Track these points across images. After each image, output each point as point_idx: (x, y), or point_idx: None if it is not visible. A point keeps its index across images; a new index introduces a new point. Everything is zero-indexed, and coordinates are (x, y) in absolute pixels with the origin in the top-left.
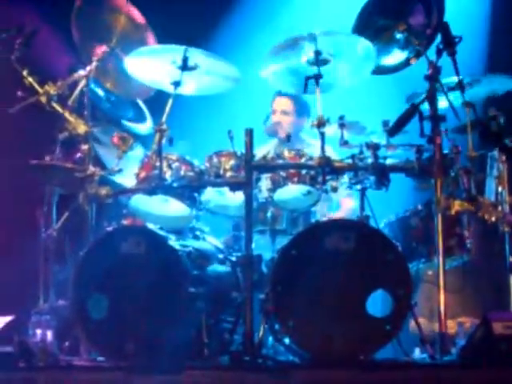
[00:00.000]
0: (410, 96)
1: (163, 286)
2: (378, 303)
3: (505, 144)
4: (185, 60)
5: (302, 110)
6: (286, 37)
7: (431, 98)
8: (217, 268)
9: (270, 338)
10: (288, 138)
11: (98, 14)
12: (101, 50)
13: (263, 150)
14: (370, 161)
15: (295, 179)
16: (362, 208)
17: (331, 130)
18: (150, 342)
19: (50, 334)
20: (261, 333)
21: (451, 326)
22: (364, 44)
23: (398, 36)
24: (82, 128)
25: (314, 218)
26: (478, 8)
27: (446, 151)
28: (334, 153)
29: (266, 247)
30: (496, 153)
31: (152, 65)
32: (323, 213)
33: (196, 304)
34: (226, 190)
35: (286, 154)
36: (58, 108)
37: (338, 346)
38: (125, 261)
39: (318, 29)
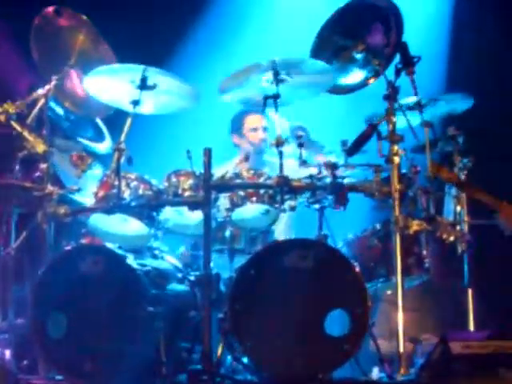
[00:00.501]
0: (370, 117)
1: (122, 305)
2: (336, 323)
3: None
4: (143, 79)
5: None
6: (245, 63)
7: (389, 118)
8: (175, 287)
9: (229, 357)
10: (247, 157)
11: (56, 32)
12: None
13: (223, 169)
14: (328, 180)
15: (254, 198)
16: (321, 227)
17: (290, 149)
18: (108, 361)
19: (8, 353)
20: (219, 352)
21: (410, 345)
22: (321, 65)
23: (357, 56)
24: (40, 147)
25: (273, 237)
26: (437, 28)
27: (404, 171)
28: (298, 168)
29: (224, 266)
30: (455, 171)
31: (111, 84)
32: (283, 231)
33: (154, 323)
34: (184, 209)
35: (245, 173)
36: (17, 127)
37: (296, 366)
38: (83, 280)
39: (277, 54)
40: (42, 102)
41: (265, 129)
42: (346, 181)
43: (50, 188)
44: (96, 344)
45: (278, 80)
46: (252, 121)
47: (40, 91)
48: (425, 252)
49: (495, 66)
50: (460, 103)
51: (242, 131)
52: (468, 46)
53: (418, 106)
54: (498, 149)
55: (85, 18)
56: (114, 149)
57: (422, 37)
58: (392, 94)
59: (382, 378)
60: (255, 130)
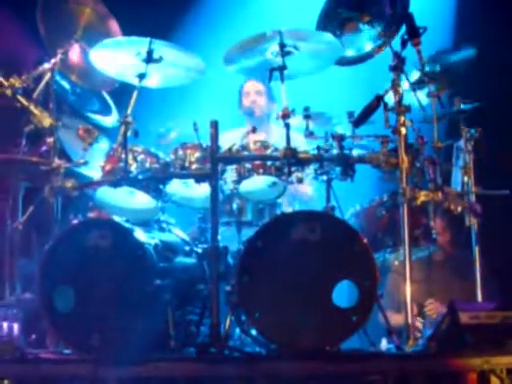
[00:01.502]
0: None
1: (129, 279)
2: (344, 294)
3: None
4: (150, 52)
5: (271, 94)
6: (251, 33)
7: (395, 89)
8: (183, 260)
9: (237, 330)
10: (254, 129)
11: (62, 6)
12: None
13: (232, 134)
14: (335, 152)
15: (260, 171)
16: (328, 199)
17: (297, 121)
18: (116, 334)
19: (16, 327)
20: (227, 324)
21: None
22: (328, 37)
23: (363, 27)
24: (47, 121)
25: (280, 209)
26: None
27: (411, 142)
28: (304, 141)
29: (232, 239)
30: (462, 143)
31: (117, 57)
32: (290, 203)
33: (162, 296)
34: (191, 182)
35: (252, 145)
36: (24, 101)
37: (304, 337)
38: (91, 253)
39: (283, 25)
40: (48, 75)
41: (261, 94)
42: (353, 152)
43: (56, 162)
44: (104, 318)
45: (284, 52)
46: (246, 86)
47: (46, 65)
48: (432, 223)
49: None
50: (464, 53)
51: (242, 100)
52: (474, 16)
53: (425, 77)
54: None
55: None
56: (121, 122)
57: (429, 8)
58: (398, 65)
59: (390, 349)
60: (247, 94)
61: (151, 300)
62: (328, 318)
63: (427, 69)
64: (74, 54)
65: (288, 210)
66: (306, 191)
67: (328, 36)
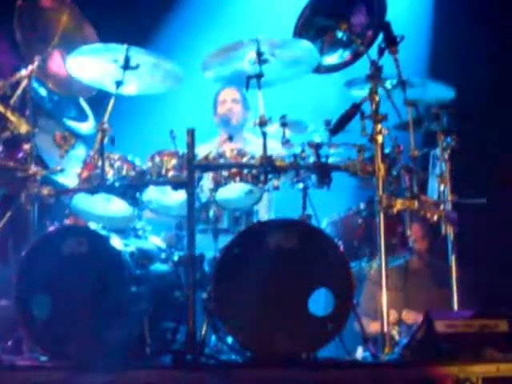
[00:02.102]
0: (350, 81)
1: (106, 286)
2: (320, 302)
3: None
4: (127, 59)
5: (246, 102)
6: (228, 40)
7: (372, 97)
8: (159, 267)
9: (213, 337)
10: (230, 137)
11: (39, 13)
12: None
13: (205, 147)
14: (311, 160)
15: (237, 178)
16: (304, 207)
17: (274, 129)
18: (92, 342)
19: None
20: (203, 332)
21: (393, 322)
22: (305, 45)
23: (340, 35)
24: (23, 127)
25: (257, 217)
26: (420, 9)
27: (387, 150)
28: (280, 148)
29: (208, 246)
30: (438, 151)
31: (94, 64)
32: (266, 211)
33: (138, 303)
34: (168, 189)
35: (228, 153)
36: (0, 107)
37: (280, 345)
38: (67, 260)
39: (260, 32)
40: (25, 82)
41: (237, 102)
42: (329, 160)
43: (33, 169)
44: (80, 325)
45: (261, 60)
46: (222, 94)
47: (23, 72)
48: (408, 231)
49: (478, 47)
50: (441, 92)
51: (217, 108)
52: (451, 27)
53: (402, 85)
54: (483, 128)
55: None
56: (98, 129)
57: (405, 17)
58: (375, 74)
59: (366, 357)
60: (223, 102)
61: (127, 307)
62: (304, 326)
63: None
64: (55, 62)
65: (264, 217)
66: None
67: (305, 43)
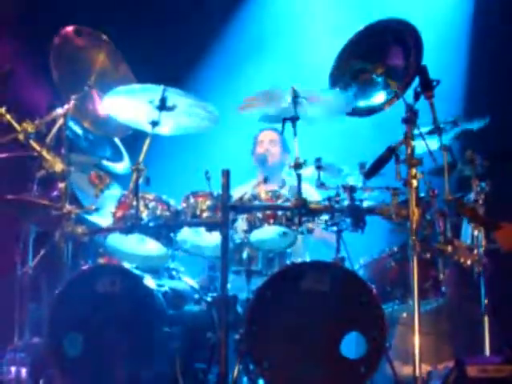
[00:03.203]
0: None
1: (138, 326)
2: (352, 345)
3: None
4: (163, 100)
5: (285, 144)
6: (263, 85)
7: (408, 141)
8: (192, 308)
9: (245, 379)
10: (266, 179)
11: (76, 51)
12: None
13: (243, 189)
14: (346, 203)
15: (271, 220)
16: (338, 250)
17: (309, 172)
18: (125, 381)
19: (24, 372)
20: (235, 373)
21: (425, 369)
22: (339, 94)
23: (376, 78)
24: (59, 166)
25: (290, 259)
26: (456, 52)
27: (422, 194)
28: (316, 193)
29: (241, 288)
30: (472, 196)
31: (130, 104)
32: (299, 254)
33: (171, 343)
34: (202, 230)
35: (263, 195)
36: (36, 146)
37: None
38: (100, 299)
39: (296, 76)
40: (60, 121)
41: (275, 143)
42: (364, 203)
43: (67, 207)
44: (112, 364)
45: (296, 103)
46: (260, 135)
47: (59, 110)
48: (441, 276)
49: None
50: (476, 123)
51: (255, 149)
52: (487, 69)
53: (437, 130)
54: None
55: (105, 37)
56: (133, 169)
57: (441, 59)
58: (411, 118)
59: None
60: (261, 142)
61: (160, 347)
62: (336, 369)
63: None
64: (92, 101)
65: (298, 259)
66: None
67: (339, 93)
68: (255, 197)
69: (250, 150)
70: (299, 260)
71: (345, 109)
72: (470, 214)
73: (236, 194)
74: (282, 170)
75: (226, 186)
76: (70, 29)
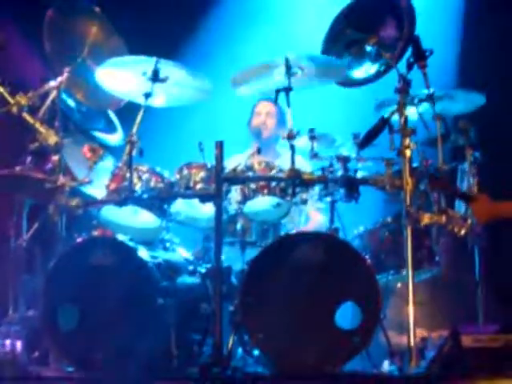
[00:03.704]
0: (379, 104)
1: (133, 298)
2: (347, 315)
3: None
4: (156, 71)
5: (281, 118)
6: (256, 54)
7: (401, 111)
8: (186, 280)
9: (240, 350)
10: (259, 150)
11: (68, 24)
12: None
13: (237, 158)
14: (340, 173)
15: (265, 191)
16: (332, 220)
17: (302, 143)
18: (119, 353)
19: (19, 345)
20: (230, 344)
21: (420, 333)
22: (334, 61)
23: (369, 49)
24: (52, 139)
25: (284, 230)
26: (449, 22)
27: (415, 164)
28: (305, 163)
29: (235, 259)
30: (466, 166)
31: (123, 76)
32: (293, 225)
33: (165, 315)
34: (196, 201)
35: (257, 166)
36: (29, 119)
37: (306, 358)
38: (94, 272)
39: (289, 45)
40: (54, 93)
41: (271, 115)
42: (357, 174)
43: (61, 180)
44: (107, 336)
45: (290, 74)
46: (258, 106)
47: (52, 83)
48: (436, 246)
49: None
50: (472, 101)
51: (251, 120)
52: (480, 40)
53: (430, 99)
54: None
55: (98, 9)
56: (126, 141)
57: (435, 30)
58: (404, 88)
59: (392, 371)
60: (258, 114)
61: (154, 319)
62: (330, 339)
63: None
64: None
65: (292, 230)
66: (319, 219)
67: (334, 60)
68: (249, 168)
69: (247, 119)
70: (294, 231)
71: (338, 76)
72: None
73: (231, 162)
74: (276, 142)
75: (220, 158)
76: (62, 1)
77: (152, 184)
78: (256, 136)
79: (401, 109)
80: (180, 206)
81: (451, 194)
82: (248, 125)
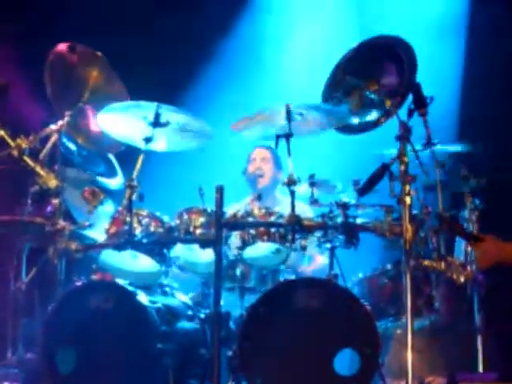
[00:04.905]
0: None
1: (131, 342)
2: (345, 361)
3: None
4: (156, 116)
5: (278, 161)
6: (256, 100)
7: (401, 159)
8: (185, 325)
9: None
10: (259, 196)
11: (70, 68)
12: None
13: (236, 206)
14: (339, 220)
15: (265, 237)
16: (331, 266)
17: (302, 189)
18: None
19: None
20: None
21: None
22: (333, 109)
23: (370, 96)
24: (52, 182)
25: (283, 275)
26: (450, 70)
27: (415, 211)
28: (309, 210)
29: (234, 304)
30: (466, 213)
31: (124, 120)
32: (294, 267)
33: (164, 360)
34: (195, 246)
35: (256, 212)
36: (30, 162)
37: None
38: (93, 315)
39: (289, 94)
40: (54, 137)
41: (266, 161)
42: (357, 220)
43: (61, 223)
44: (105, 380)
45: (290, 120)
46: (253, 154)
47: (53, 126)
48: (435, 293)
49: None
50: (470, 148)
51: (247, 167)
52: (481, 89)
53: (430, 147)
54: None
55: (99, 54)
56: (126, 185)
57: (435, 76)
58: (404, 135)
59: None
60: (253, 160)
61: (153, 363)
62: None
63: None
64: (85, 117)
65: (292, 275)
66: (322, 262)
67: (333, 108)
68: (249, 213)
69: (243, 168)
70: (292, 277)
71: (338, 123)
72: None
73: (230, 211)
74: (275, 188)
75: (220, 202)
76: (64, 45)
77: (152, 228)
78: (252, 184)
79: (401, 156)
80: (179, 251)
81: (459, 234)
82: (244, 173)
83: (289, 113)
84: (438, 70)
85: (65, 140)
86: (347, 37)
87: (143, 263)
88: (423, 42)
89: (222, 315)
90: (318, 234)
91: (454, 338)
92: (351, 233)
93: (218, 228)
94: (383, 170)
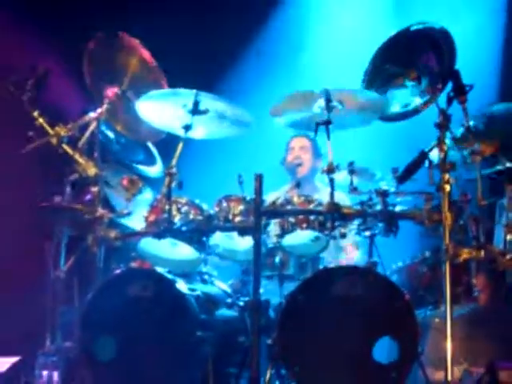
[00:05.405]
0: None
1: (170, 330)
2: (384, 350)
3: None
4: (196, 104)
5: (317, 151)
6: (297, 88)
7: (441, 146)
8: (224, 312)
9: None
10: (298, 184)
11: (110, 56)
12: (112, 92)
13: (275, 195)
14: (378, 207)
15: (304, 225)
16: (370, 254)
17: (341, 177)
18: None
19: (56, 376)
20: (267, 378)
21: (457, 374)
22: (373, 95)
23: (409, 83)
24: (91, 170)
25: (322, 263)
26: (489, 56)
27: (455, 199)
28: (347, 199)
29: (273, 292)
30: (505, 201)
31: (163, 108)
32: (331, 258)
33: (203, 348)
34: (234, 234)
35: (296, 199)
36: (69, 150)
37: None
38: (132, 304)
39: (330, 80)
40: (93, 125)
41: (305, 150)
42: (396, 208)
43: (100, 211)
44: (144, 368)
45: (329, 107)
46: (291, 142)
47: (92, 114)
48: (474, 281)
49: None
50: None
51: (286, 156)
52: None
53: (469, 136)
54: None
55: (138, 42)
56: (165, 173)
57: (475, 63)
58: (444, 123)
59: None
60: (292, 149)
61: (192, 351)
62: (368, 374)
63: (472, 124)
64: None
65: (330, 264)
66: (354, 254)
67: (373, 94)
68: (288, 201)
69: (282, 157)
70: (332, 265)
71: (380, 112)
72: None
73: (268, 199)
74: (314, 176)
75: (259, 190)
76: (104, 33)
77: (191, 216)
78: (291, 173)
79: (441, 144)
80: (219, 239)
81: None
82: (283, 162)
83: (328, 99)
84: (477, 57)
85: (103, 128)
86: (386, 24)
87: (182, 251)
88: (462, 30)
89: (262, 303)
90: (358, 221)
91: (494, 326)
92: (390, 220)
93: (257, 216)
94: (422, 157)
